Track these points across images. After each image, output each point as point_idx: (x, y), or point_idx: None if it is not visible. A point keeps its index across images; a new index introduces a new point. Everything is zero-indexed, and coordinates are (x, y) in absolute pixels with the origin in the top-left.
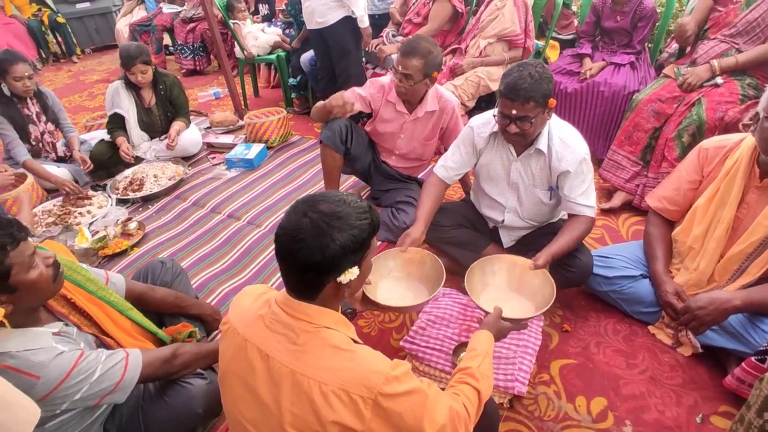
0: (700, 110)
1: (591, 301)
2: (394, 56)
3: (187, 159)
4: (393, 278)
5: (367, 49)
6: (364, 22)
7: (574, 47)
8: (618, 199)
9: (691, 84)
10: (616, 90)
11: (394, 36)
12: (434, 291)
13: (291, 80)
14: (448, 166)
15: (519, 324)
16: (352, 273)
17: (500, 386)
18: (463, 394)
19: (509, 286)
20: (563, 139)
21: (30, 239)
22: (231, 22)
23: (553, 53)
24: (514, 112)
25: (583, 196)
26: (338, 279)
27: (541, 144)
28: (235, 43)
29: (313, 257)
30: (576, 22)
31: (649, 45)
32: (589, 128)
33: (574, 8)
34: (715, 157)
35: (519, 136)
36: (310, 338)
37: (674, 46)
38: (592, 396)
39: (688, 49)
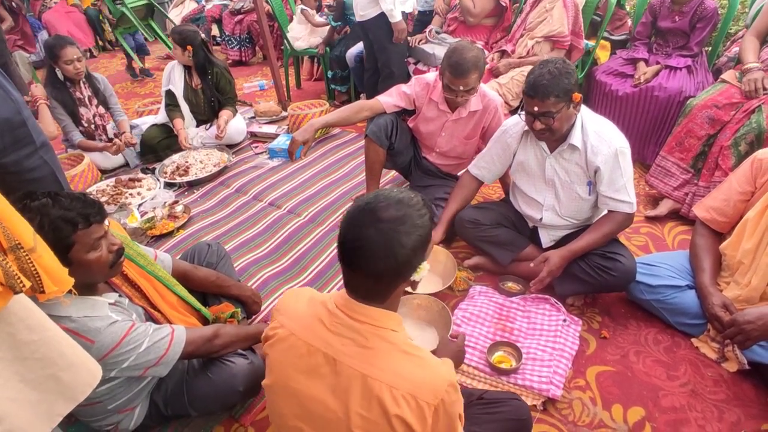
0: (760, 118)
1: (632, 309)
2: (437, 53)
3: (231, 147)
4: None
5: (410, 44)
6: (393, 17)
7: (626, 48)
8: (665, 207)
9: (756, 91)
10: (672, 94)
11: (438, 33)
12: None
13: (329, 73)
14: (480, 165)
15: (463, 339)
16: (423, 269)
17: (534, 388)
18: None
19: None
20: (598, 132)
21: (106, 223)
22: (300, 7)
23: (603, 54)
24: (536, 108)
25: (621, 191)
26: (411, 277)
27: (575, 139)
28: (283, 34)
29: (388, 265)
30: (629, 23)
31: (706, 49)
32: (640, 133)
33: (627, 8)
34: None
35: (546, 132)
36: (379, 341)
37: (734, 50)
38: (629, 405)
39: None
